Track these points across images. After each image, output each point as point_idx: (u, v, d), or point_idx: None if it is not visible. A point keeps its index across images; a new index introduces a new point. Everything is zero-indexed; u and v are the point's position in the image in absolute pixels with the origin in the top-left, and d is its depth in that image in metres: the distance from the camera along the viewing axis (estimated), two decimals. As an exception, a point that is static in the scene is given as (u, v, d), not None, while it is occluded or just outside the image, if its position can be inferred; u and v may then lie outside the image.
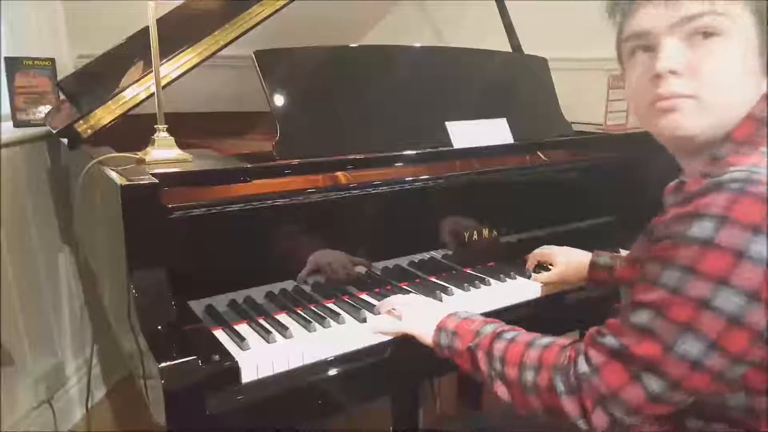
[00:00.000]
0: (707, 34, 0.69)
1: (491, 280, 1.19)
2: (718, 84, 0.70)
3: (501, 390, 0.79)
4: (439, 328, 0.89)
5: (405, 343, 0.96)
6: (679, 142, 0.76)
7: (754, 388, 0.67)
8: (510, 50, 1.79)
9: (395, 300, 1.02)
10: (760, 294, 0.59)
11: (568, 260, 1.17)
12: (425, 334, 0.91)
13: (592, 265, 1.14)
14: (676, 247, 0.63)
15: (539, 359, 0.75)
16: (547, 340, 0.78)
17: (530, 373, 0.75)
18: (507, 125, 1.38)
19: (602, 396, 0.67)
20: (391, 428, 1.49)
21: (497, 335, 0.82)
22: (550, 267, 1.21)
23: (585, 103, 1.67)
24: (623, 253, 1.22)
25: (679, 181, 0.81)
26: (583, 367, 0.69)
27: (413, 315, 0.96)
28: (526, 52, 1.77)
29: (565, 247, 1.21)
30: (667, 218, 0.66)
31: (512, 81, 1.50)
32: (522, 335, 0.81)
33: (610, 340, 0.68)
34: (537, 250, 1.24)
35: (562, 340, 0.77)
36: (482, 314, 1.03)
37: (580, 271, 1.16)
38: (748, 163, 0.63)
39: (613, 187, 1.47)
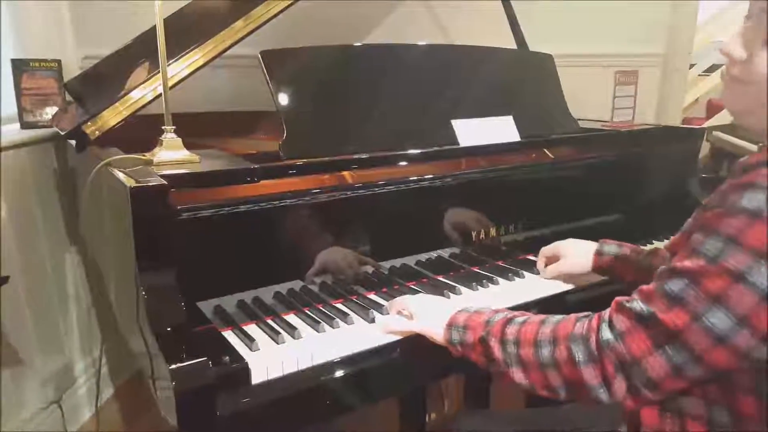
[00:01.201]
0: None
1: (499, 279, 1.19)
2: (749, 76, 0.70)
3: (518, 375, 0.78)
4: (450, 325, 0.89)
5: (414, 343, 0.96)
6: None
7: None
8: (516, 47, 1.78)
9: (405, 300, 1.01)
10: None
11: (574, 250, 1.17)
12: (436, 332, 0.91)
13: (598, 253, 1.14)
14: (723, 216, 0.62)
15: (554, 333, 0.75)
16: (558, 317, 0.78)
17: (546, 348, 0.74)
18: (513, 123, 1.38)
19: (624, 363, 0.67)
20: (398, 427, 1.49)
21: (508, 321, 0.82)
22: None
23: (592, 99, 1.67)
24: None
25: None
26: (606, 333, 0.69)
27: (423, 314, 0.96)
28: (531, 48, 1.77)
29: (570, 239, 1.20)
30: (722, 188, 0.65)
31: (518, 78, 1.50)
32: (533, 317, 0.81)
33: (638, 306, 0.67)
34: (544, 248, 1.23)
35: (576, 314, 0.77)
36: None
37: (587, 260, 1.15)
38: None
39: (621, 183, 1.47)
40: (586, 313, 0.76)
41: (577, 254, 1.16)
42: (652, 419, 0.76)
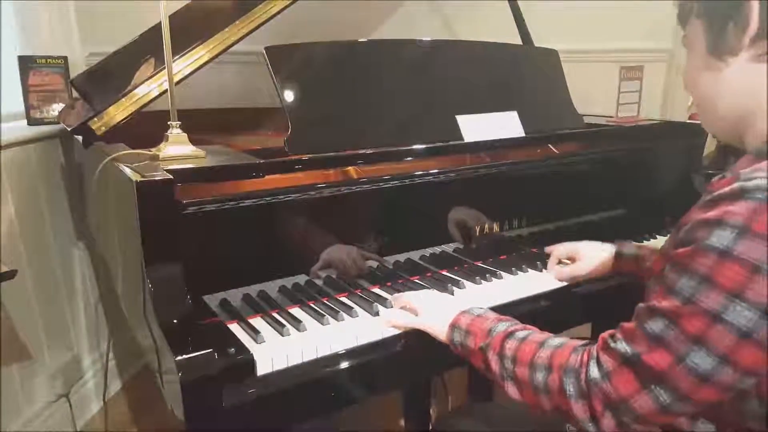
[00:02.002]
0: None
1: (503, 273, 1.19)
2: (693, 86, 0.78)
3: (512, 390, 0.79)
4: (453, 326, 0.89)
5: (418, 336, 0.96)
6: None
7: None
8: (521, 43, 1.78)
9: (410, 296, 1.02)
10: None
11: (593, 256, 1.16)
12: (439, 330, 0.92)
13: (618, 255, 1.13)
14: (695, 254, 0.63)
15: (550, 360, 0.75)
16: (558, 340, 0.78)
17: (541, 373, 0.75)
18: (518, 118, 1.38)
19: (612, 402, 0.68)
20: (402, 421, 1.50)
21: (509, 335, 0.82)
22: (566, 262, 1.20)
23: (596, 95, 1.67)
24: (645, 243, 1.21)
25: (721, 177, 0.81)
26: (594, 372, 0.69)
27: (427, 311, 0.96)
28: (536, 44, 1.77)
29: (585, 242, 1.20)
30: (691, 221, 0.65)
31: (523, 74, 1.50)
32: (534, 335, 0.81)
33: (622, 347, 0.68)
34: (560, 247, 1.22)
35: (574, 342, 0.77)
36: (494, 307, 1.03)
37: (605, 264, 1.15)
38: None
39: (625, 179, 1.47)
40: (583, 342, 0.76)
41: (595, 259, 1.15)
42: None
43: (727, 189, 0.62)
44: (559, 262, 1.21)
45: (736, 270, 0.59)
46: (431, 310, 0.96)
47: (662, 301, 0.65)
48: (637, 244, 1.14)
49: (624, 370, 0.67)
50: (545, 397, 0.75)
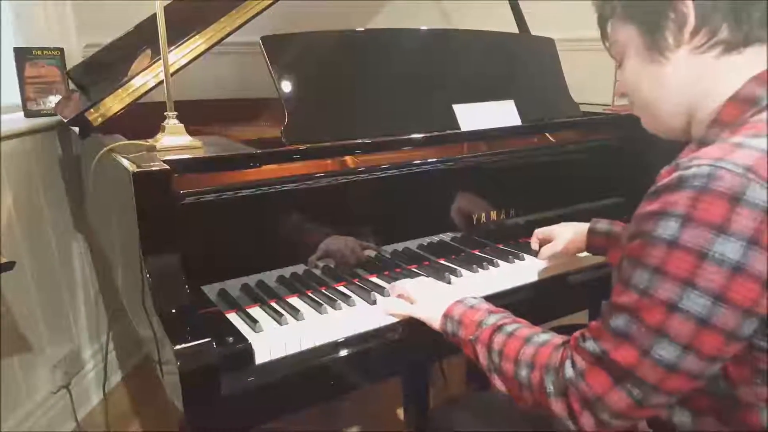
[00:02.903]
0: (620, 63, 0.80)
1: (500, 262, 1.20)
2: (634, 89, 0.79)
3: (498, 383, 0.81)
4: (446, 316, 0.91)
5: (414, 324, 0.97)
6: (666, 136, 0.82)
7: (735, 380, 0.67)
8: (517, 31, 1.78)
9: (405, 284, 1.03)
10: (726, 295, 0.59)
11: (567, 232, 1.18)
12: (434, 319, 0.93)
13: (590, 231, 1.15)
14: (644, 247, 0.63)
15: (533, 358, 0.76)
16: (544, 337, 0.79)
17: (524, 370, 0.76)
18: (515, 107, 1.38)
19: (588, 401, 0.68)
20: (401, 409, 1.51)
21: (497, 328, 0.83)
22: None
23: (593, 83, 1.67)
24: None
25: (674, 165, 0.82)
26: (569, 371, 0.70)
27: (423, 300, 0.98)
28: (533, 33, 1.76)
29: (563, 224, 1.21)
30: (638, 213, 0.66)
31: (519, 62, 1.50)
32: (521, 330, 0.82)
33: (591, 345, 0.68)
34: (538, 231, 1.23)
35: (557, 339, 0.78)
36: (491, 295, 1.04)
37: (577, 240, 1.16)
38: (714, 156, 0.61)
39: (622, 167, 1.47)
40: (565, 339, 0.77)
41: (570, 235, 1.17)
42: None
43: (666, 180, 0.63)
44: (541, 244, 1.22)
45: (685, 258, 0.60)
46: (426, 299, 0.97)
47: (621, 296, 0.66)
48: (611, 221, 1.14)
49: (596, 369, 0.68)
50: (528, 393, 0.76)
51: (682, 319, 0.61)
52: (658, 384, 0.64)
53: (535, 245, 1.23)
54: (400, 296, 1.02)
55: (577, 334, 0.72)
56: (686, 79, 0.72)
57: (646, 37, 0.73)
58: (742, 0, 0.67)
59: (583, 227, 1.17)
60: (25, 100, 1.78)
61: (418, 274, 1.12)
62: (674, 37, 0.71)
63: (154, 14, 1.05)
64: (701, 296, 0.59)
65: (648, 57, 0.74)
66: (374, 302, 1.02)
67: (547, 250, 1.18)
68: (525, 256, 1.23)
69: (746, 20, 0.67)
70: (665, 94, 0.75)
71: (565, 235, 1.17)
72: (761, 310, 0.59)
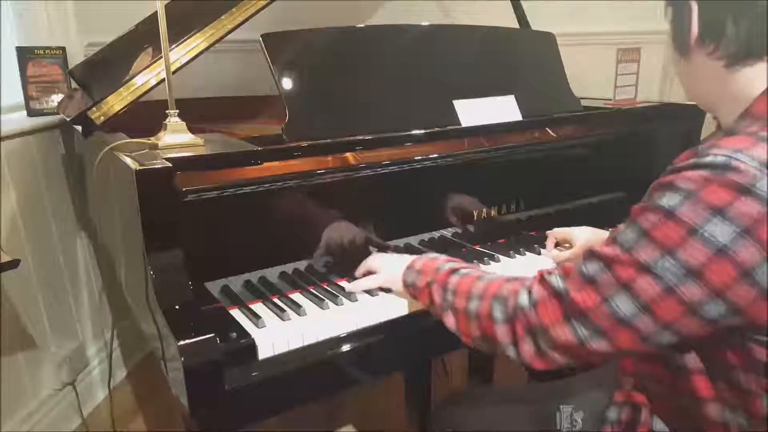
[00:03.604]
0: None
1: (501, 257, 1.21)
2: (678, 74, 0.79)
3: (449, 321, 0.85)
4: (408, 268, 0.96)
5: (416, 319, 0.98)
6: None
7: (734, 366, 0.68)
8: (517, 26, 1.78)
9: (367, 260, 1.08)
10: (701, 273, 0.60)
11: (584, 234, 1.18)
12: (396, 277, 0.98)
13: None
14: (644, 211, 0.65)
15: (484, 290, 0.80)
16: (497, 275, 0.83)
17: (475, 302, 0.80)
18: (515, 102, 1.38)
19: (533, 328, 0.72)
20: (403, 403, 1.52)
21: (454, 270, 0.88)
22: (565, 247, 1.21)
23: (593, 78, 1.67)
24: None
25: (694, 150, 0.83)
26: (523, 299, 0.74)
27: (385, 267, 1.03)
28: (533, 27, 1.76)
29: (582, 227, 1.21)
30: (652, 184, 0.68)
31: (520, 57, 1.50)
32: (475, 271, 0.87)
33: (555, 280, 0.71)
34: (556, 230, 1.23)
35: (508, 276, 0.82)
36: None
37: (596, 244, 1.15)
38: (733, 147, 0.62)
39: (623, 162, 1.47)
40: (516, 277, 0.81)
41: (588, 236, 1.16)
42: (642, 398, 0.80)
43: (684, 162, 0.65)
44: (557, 245, 1.22)
45: (675, 229, 0.62)
46: (388, 266, 1.03)
47: (604, 247, 0.68)
48: None
49: (552, 301, 0.71)
50: (475, 324, 0.80)
51: (651, 281, 0.63)
52: (606, 332, 0.67)
53: (550, 245, 1.22)
54: (366, 273, 1.06)
55: (543, 270, 0.75)
56: (707, 78, 0.73)
57: (672, 31, 0.75)
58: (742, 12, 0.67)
59: (602, 233, 1.17)
60: (27, 99, 1.78)
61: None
62: (684, 42, 0.72)
63: (155, 13, 1.06)
64: (676, 267, 0.61)
65: (677, 51, 0.76)
66: (376, 297, 1.02)
67: (564, 256, 1.17)
68: (526, 251, 1.24)
69: (745, 34, 0.67)
70: (694, 86, 0.77)
71: (583, 238, 1.17)
72: (733, 297, 0.60)
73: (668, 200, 0.63)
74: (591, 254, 0.70)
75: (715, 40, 0.69)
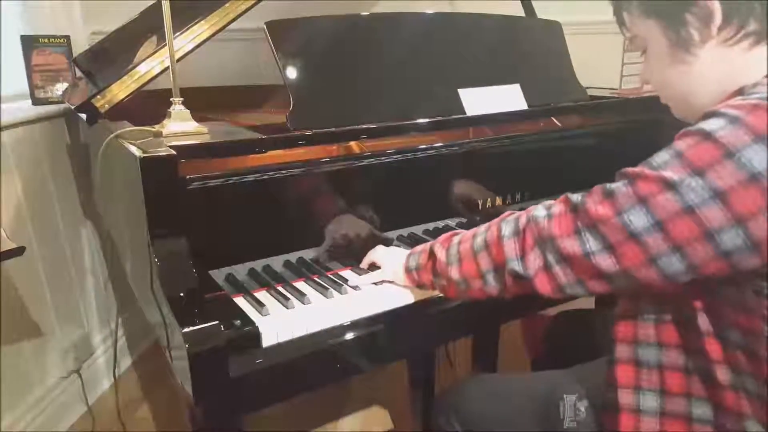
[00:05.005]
0: (642, 51, 0.79)
1: (505, 246, 1.20)
2: (662, 85, 0.79)
3: (454, 270, 0.85)
4: (409, 255, 0.97)
5: (419, 307, 0.98)
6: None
7: (746, 330, 0.67)
8: (524, 15, 1.76)
9: (370, 254, 1.08)
10: (728, 197, 0.58)
11: None
12: (399, 268, 0.98)
13: None
14: (685, 135, 0.64)
15: (490, 223, 0.82)
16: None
17: (481, 236, 0.81)
18: (521, 91, 1.37)
19: (542, 237, 0.72)
20: (407, 391, 1.53)
21: (456, 233, 0.89)
22: None
23: (600, 67, 1.66)
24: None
25: None
26: (539, 211, 0.74)
27: (387, 261, 1.03)
28: (539, 16, 1.75)
29: None
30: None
31: (526, 46, 1.49)
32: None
33: (576, 197, 0.72)
34: None
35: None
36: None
37: None
38: None
39: (629, 151, 1.46)
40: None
41: None
42: (626, 377, 0.79)
43: (731, 99, 0.64)
44: None
45: (709, 150, 0.60)
46: (391, 260, 1.02)
47: (636, 167, 0.67)
48: None
49: (567, 215, 0.71)
50: (483, 254, 0.80)
51: (671, 197, 0.62)
52: (615, 244, 0.66)
53: None
54: (371, 266, 1.07)
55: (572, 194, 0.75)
56: (716, 73, 0.72)
57: (669, 34, 0.73)
58: None
59: None
60: (32, 88, 1.78)
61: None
62: (700, 32, 0.70)
63: (159, 1, 1.05)
64: (703, 188, 0.60)
65: (674, 55, 0.73)
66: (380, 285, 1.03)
67: None
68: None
69: None
70: (695, 89, 0.75)
71: None
72: (754, 228, 0.58)
73: (710, 124, 0.61)
74: (621, 173, 0.69)
75: (740, 21, 0.67)
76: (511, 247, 0.76)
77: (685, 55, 0.72)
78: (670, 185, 0.61)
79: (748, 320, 0.66)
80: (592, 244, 0.67)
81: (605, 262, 0.67)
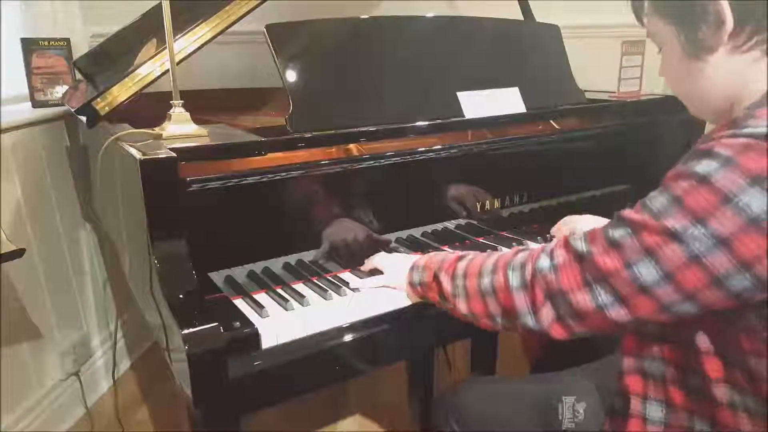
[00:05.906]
0: (659, 49, 0.79)
1: (504, 249, 1.20)
2: (676, 84, 0.79)
3: (461, 305, 0.84)
4: (412, 268, 0.96)
5: (418, 309, 0.98)
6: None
7: (747, 351, 0.67)
8: (522, 18, 1.77)
9: (373, 259, 1.07)
10: (731, 243, 0.59)
11: (591, 222, 1.17)
12: (402, 278, 0.98)
13: None
14: (678, 177, 0.64)
15: (496, 263, 0.80)
16: (503, 252, 0.83)
17: (488, 277, 0.80)
18: (519, 94, 1.38)
19: (553, 292, 0.71)
20: (406, 393, 1.53)
21: (460, 258, 0.88)
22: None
23: (598, 70, 1.66)
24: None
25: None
26: (543, 262, 0.73)
27: (391, 268, 1.02)
28: (537, 20, 1.76)
29: (587, 216, 1.21)
30: (688, 153, 0.67)
31: (524, 49, 1.50)
32: (481, 254, 0.86)
33: (580, 244, 0.71)
34: (562, 227, 1.23)
35: (517, 248, 0.82)
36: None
37: None
38: None
39: (627, 154, 1.47)
40: (526, 248, 0.81)
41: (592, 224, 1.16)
42: (636, 386, 0.79)
43: (722, 132, 0.64)
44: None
45: (707, 197, 0.60)
46: (393, 268, 1.02)
47: (633, 213, 0.67)
48: None
49: (573, 265, 0.70)
50: (491, 300, 0.79)
51: (677, 249, 0.62)
52: (626, 297, 0.66)
53: (557, 233, 1.22)
54: (372, 272, 1.07)
55: (568, 235, 0.74)
56: (726, 80, 0.72)
57: (682, 38, 0.73)
58: None
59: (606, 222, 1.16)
60: (32, 90, 1.79)
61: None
62: (713, 40, 0.70)
63: (160, 3, 1.06)
64: (706, 236, 0.60)
65: (685, 58, 0.74)
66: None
67: None
68: (529, 243, 1.24)
69: None
70: (706, 93, 0.75)
71: (589, 227, 1.16)
72: (761, 271, 0.59)
73: (704, 167, 0.61)
74: (619, 219, 0.68)
75: (753, 29, 0.67)
76: (522, 302, 0.75)
77: (696, 60, 0.73)
78: (674, 236, 0.62)
79: (750, 341, 0.66)
80: (604, 297, 0.67)
81: (618, 313, 0.67)
